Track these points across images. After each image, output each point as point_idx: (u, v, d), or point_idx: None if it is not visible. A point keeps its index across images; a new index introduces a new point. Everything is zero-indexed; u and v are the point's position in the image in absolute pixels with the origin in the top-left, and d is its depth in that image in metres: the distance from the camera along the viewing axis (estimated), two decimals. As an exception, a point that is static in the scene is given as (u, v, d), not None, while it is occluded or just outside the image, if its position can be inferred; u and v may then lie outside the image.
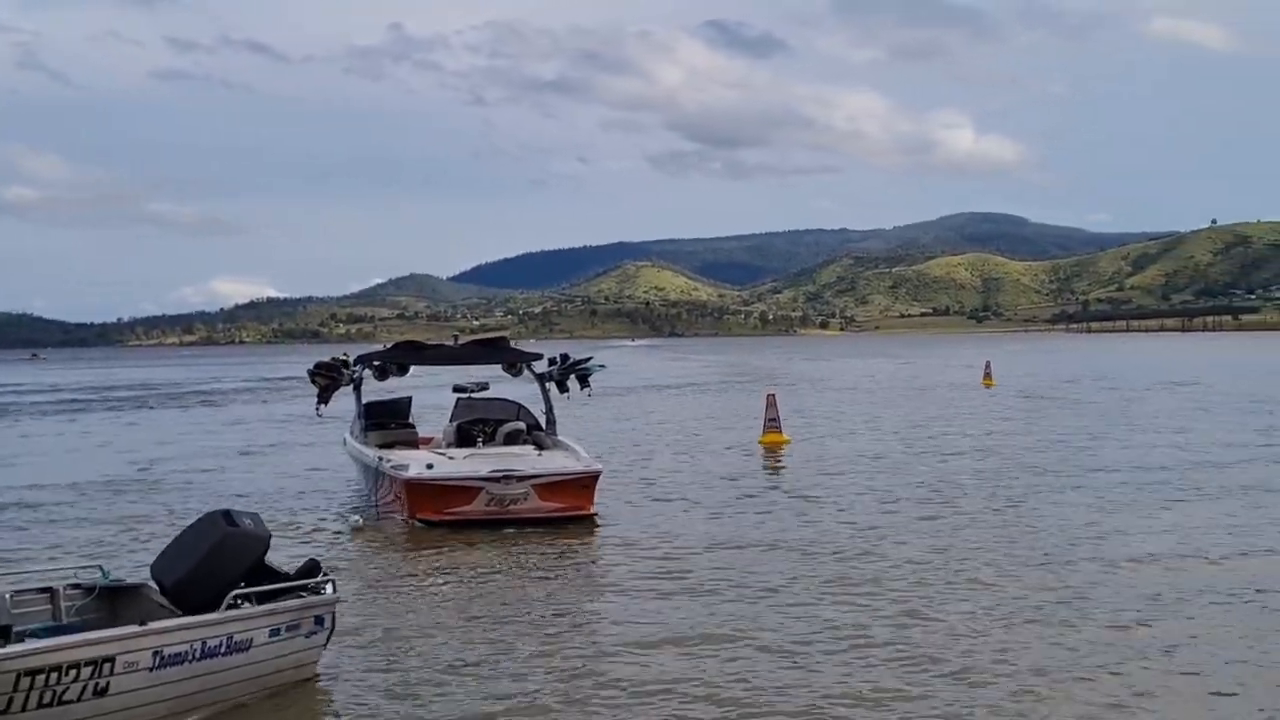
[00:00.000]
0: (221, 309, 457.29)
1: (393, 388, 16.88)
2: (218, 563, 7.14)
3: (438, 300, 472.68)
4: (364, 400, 16.53)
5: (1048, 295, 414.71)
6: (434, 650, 8.36)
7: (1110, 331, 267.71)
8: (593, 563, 11.84)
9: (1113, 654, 7.99)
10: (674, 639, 8.55)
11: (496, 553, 12.08)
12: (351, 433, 16.58)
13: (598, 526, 13.54)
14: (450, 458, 14.45)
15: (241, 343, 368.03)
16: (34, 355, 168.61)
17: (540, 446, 15.15)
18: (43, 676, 6.09)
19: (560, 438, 15.65)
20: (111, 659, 6.34)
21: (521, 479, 13.62)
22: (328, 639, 7.64)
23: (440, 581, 10.81)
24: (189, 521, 8.40)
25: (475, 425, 15.90)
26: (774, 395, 23.63)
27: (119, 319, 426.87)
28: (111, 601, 7.44)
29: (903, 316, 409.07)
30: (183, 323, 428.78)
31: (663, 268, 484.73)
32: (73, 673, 6.19)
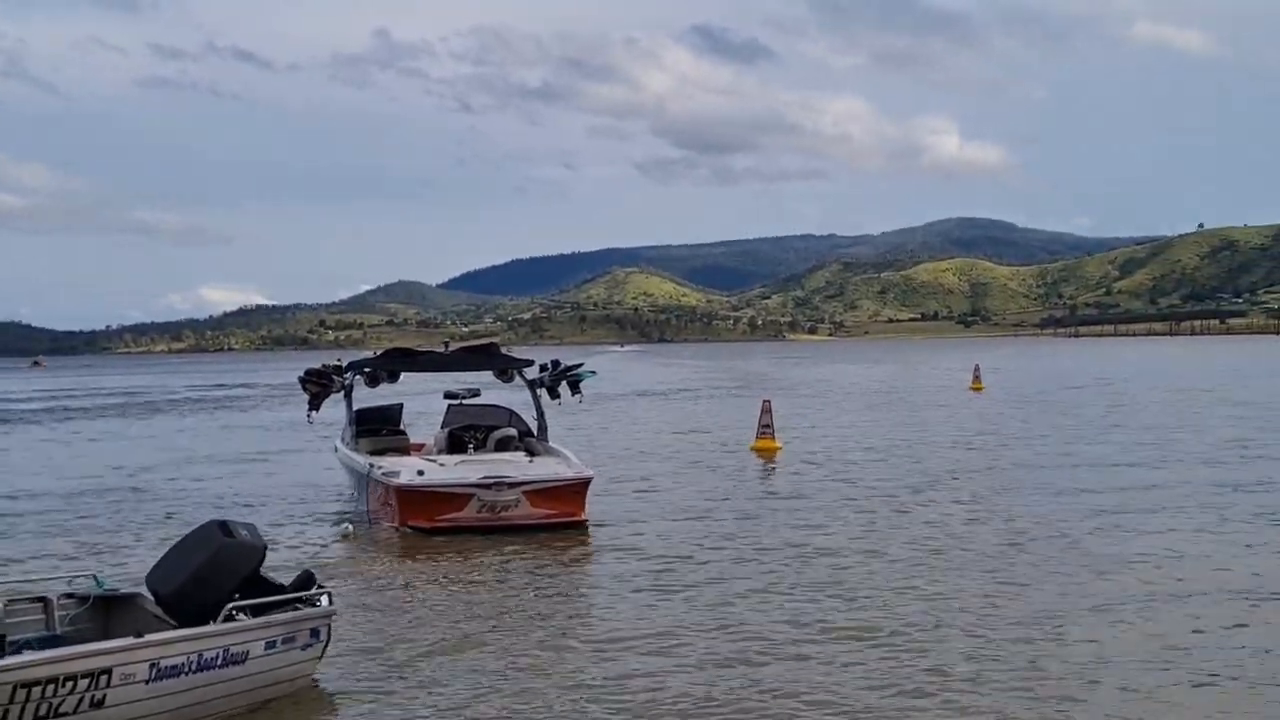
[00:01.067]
0: (210, 316, 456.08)
1: (384, 394, 16.89)
2: (213, 574, 7.14)
3: (427, 307, 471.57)
4: (355, 407, 16.51)
5: (1035, 300, 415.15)
6: (428, 660, 8.35)
7: (1098, 336, 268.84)
8: (585, 570, 11.86)
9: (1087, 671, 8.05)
10: (668, 646, 8.57)
11: (488, 560, 12.07)
12: (343, 440, 16.55)
13: (589, 533, 13.55)
14: (441, 464, 14.43)
15: (230, 350, 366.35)
16: (35, 363, 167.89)
17: (531, 453, 15.15)
18: (39, 688, 6.07)
19: (552, 444, 15.64)
20: (109, 671, 6.33)
21: (513, 485, 13.62)
22: (323, 651, 7.64)
23: (433, 590, 10.80)
24: (184, 531, 8.40)
25: (466, 432, 15.89)
26: (769, 402, 23.47)
27: (107, 326, 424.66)
28: (106, 611, 7.41)
29: (891, 321, 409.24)
30: (171, 330, 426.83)
31: (651, 274, 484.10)
32: (69, 684, 6.17)
